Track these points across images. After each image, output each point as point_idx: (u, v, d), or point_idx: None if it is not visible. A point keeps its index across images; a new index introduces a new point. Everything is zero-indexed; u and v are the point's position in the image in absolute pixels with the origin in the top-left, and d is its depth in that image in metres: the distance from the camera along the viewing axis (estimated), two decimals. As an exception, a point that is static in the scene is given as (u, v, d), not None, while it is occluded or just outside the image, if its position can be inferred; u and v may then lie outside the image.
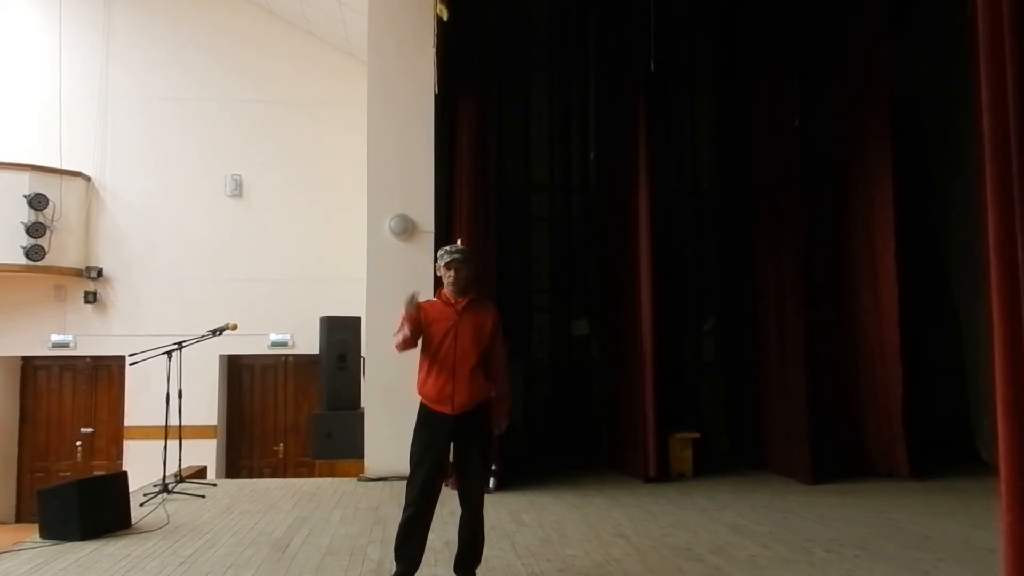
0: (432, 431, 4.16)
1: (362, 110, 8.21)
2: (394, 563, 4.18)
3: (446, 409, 4.14)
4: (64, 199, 10.67)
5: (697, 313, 9.55)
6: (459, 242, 7.44)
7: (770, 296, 8.11)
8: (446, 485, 4.41)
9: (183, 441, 7.24)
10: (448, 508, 4.30)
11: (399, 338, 4.17)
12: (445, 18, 7.28)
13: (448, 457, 4.23)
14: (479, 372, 4.19)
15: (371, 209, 7.94)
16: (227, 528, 5.78)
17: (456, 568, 4.28)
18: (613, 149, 8.74)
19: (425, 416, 4.23)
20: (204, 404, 10.78)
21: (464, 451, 4.19)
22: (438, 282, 7.31)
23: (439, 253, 4.40)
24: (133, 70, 11.44)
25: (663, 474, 7.56)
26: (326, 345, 9.86)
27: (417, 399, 4.31)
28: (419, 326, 4.18)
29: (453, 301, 4.26)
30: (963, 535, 5.42)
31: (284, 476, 10.79)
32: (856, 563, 4.73)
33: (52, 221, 10.52)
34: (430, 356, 4.21)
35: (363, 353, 8.43)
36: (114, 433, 11.19)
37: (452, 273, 4.25)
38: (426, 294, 7.50)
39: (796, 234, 7.79)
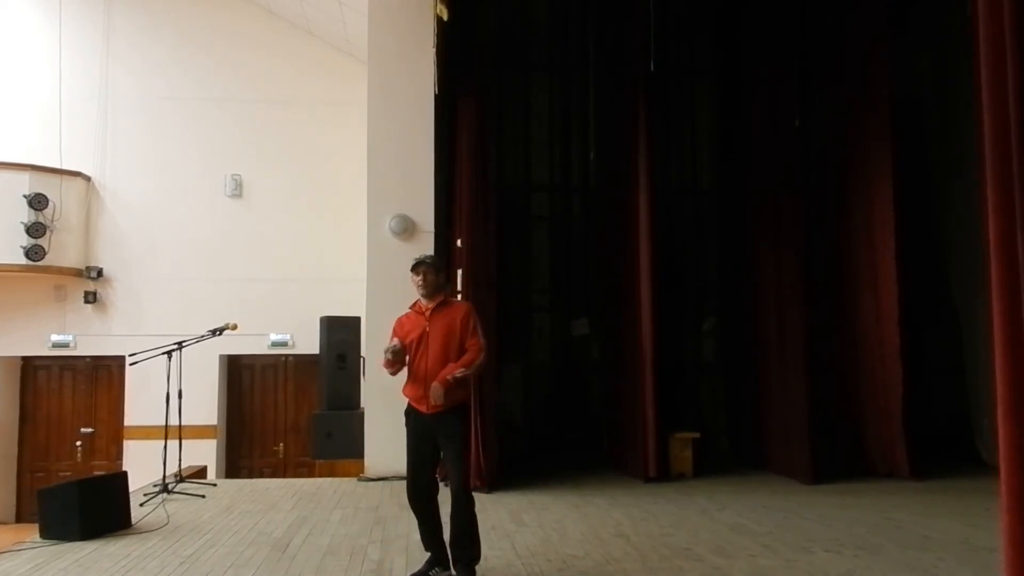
0: (413, 427, 4.41)
1: (362, 110, 8.21)
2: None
3: (422, 408, 4.35)
4: (64, 199, 10.67)
5: (697, 313, 9.55)
6: (459, 243, 7.47)
7: (770, 296, 8.11)
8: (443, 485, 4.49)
9: (183, 441, 7.24)
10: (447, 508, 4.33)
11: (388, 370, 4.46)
12: (445, 18, 7.28)
13: (435, 451, 4.39)
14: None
15: (371, 209, 7.94)
16: (227, 528, 5.78)
17: (454, 564, 4.32)
18: (613, 149, 8.74)
19: (407, 414, 4.46)
20: (204, 404, 10.78)
21: (444, 449, 4.36)
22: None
23: None
24: (133, 70, 11.44)
25: (663, 474, 7.56)
26: (326, 345, 9.85)
27: None
28: (402, 356, 4.41)
29: (423, 308, 4.45)
30: (963, 535, 5.42)
31: (284, 476, 10.79)
32: (856, 563, 4.73)
33: (52, 221, 10.52)
34: (408, 362, 4.44)
35: (363, 353, 8.43)
36: (114, 433, 11.20)
37: (420, 278, 4.42)
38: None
39: (796, 234, 7.79)
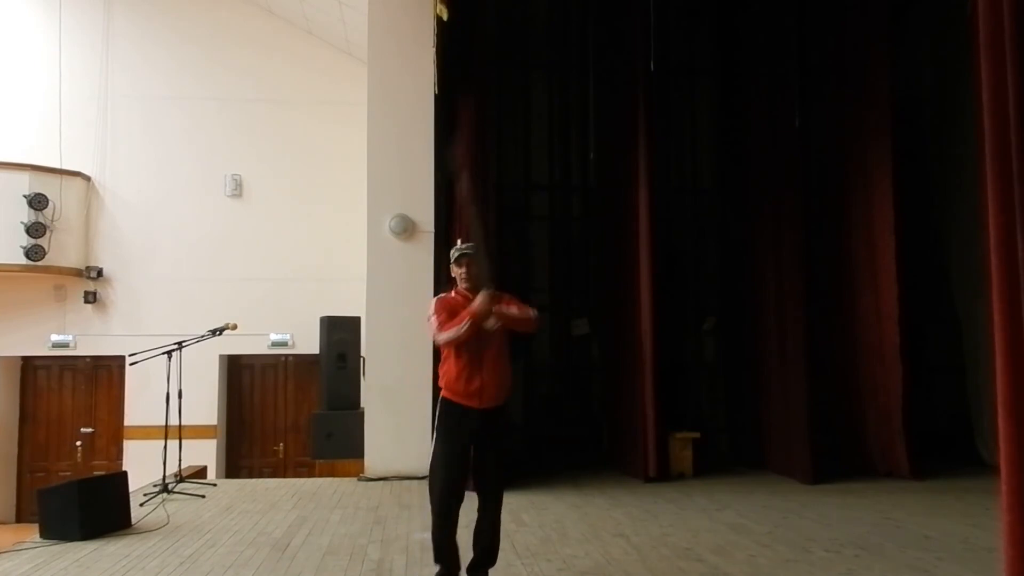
0: (457, 427, 4.06)
1: (362, 110, 8.21)
2: (436, 566, 4.12)
3: (473, 403, 4.05)
4: (64, 199, 10.68)
5: (697, 312, 9.54)
6: (459, 242, 7.45)
7: (770, 296, 8.11)
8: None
9: (183, 441, 7.24)
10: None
11: (452, 333, 4.01)
12: (445, 18, 7.28)
13: (470, 456, 4.10)
14: (506, 367, 4.15)
15: (371, 209, 7.94)
16: (227, 528, 5.78)
17: (470, 570, 4.17)
18: (613, 148, 8.73)
19: (449, 412, 4.10)
20: (204, 404, 10.79)
21: (484, 451, 4.09)
22: (439, 283, 7.29)
23: (451, 252, 4.32)
24: (133, 70, 11.45)
25: (663, 474, 7.55)
26: (326, 345, 9.85)
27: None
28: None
29: (471, 296, 4.16)
30: (963, 534, 5.42)
31: (284, 476, 10.79)
32: (856, 563, 4.72)
33: (52, 221, 10.53)
34: (456, 350, 4.09)
35: (363, 353, 8.42)
36: (114, 433, 11.21)
37: (463, 269, 4.18)
38: (425, 294, 7.54)
39: (796, 233, 7.79)
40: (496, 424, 4.11)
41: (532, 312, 4.20)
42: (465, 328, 3.98)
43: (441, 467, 4.04)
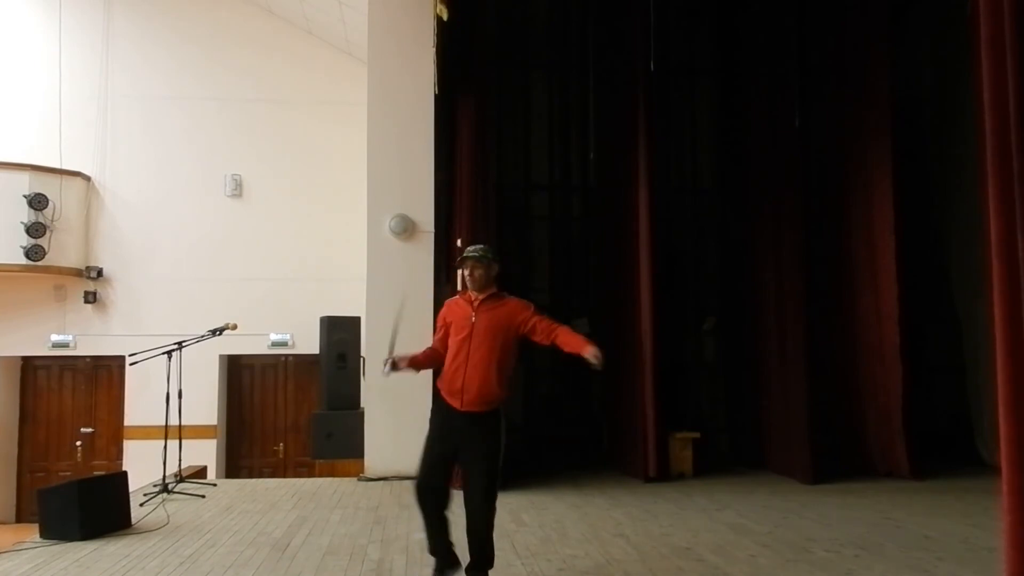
0: (441, 422, 4.19)
1: (362, 109, 8.21)
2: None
3: (455, 403, 4.11)
4: (64, 199, 10.68)
5: (697, 313, 9.54)
6: (459, 242, 7.46)
7: (770, 296, 8.11)
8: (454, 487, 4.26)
9: (183, 441, 7.23)
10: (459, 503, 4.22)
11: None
12: (445, 18, 7.27)
13: (455, 452, 4.11)
14: (492, 372, 4.10)
15: (371, 209, 7.94)
16: (227, 528, 5.78)
17: (468, 570, 4.19)
18: (613, 148, 8.74)
19: (436, 407, 4.27)
20: (204, 404, 10.79)
21: (468, 454, 4.09)
22: (439, 283, 7.31)
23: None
24: (133, 70, 11.45)
25: (663, 474, 7.55)
26: (326, 345, 9.85)
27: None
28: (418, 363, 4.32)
29: (472, 298, 4.23)
30: (963, 534, 5.42)
31: (284, 476, 10.79)
32: (856, 563, 4.72)
33: (52, 221, 10.53)
34: (450, 347, 4.20)
35: (363, 353, 8.43)
36: (114, 433, 11.20)
37: (467, 272, 4.24)
38: (426, 294, 7.56)
39: (796, 233, 7.79)
40: (479, 427, 4.09)
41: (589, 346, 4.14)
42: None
43: (421, 457, 4.13)
